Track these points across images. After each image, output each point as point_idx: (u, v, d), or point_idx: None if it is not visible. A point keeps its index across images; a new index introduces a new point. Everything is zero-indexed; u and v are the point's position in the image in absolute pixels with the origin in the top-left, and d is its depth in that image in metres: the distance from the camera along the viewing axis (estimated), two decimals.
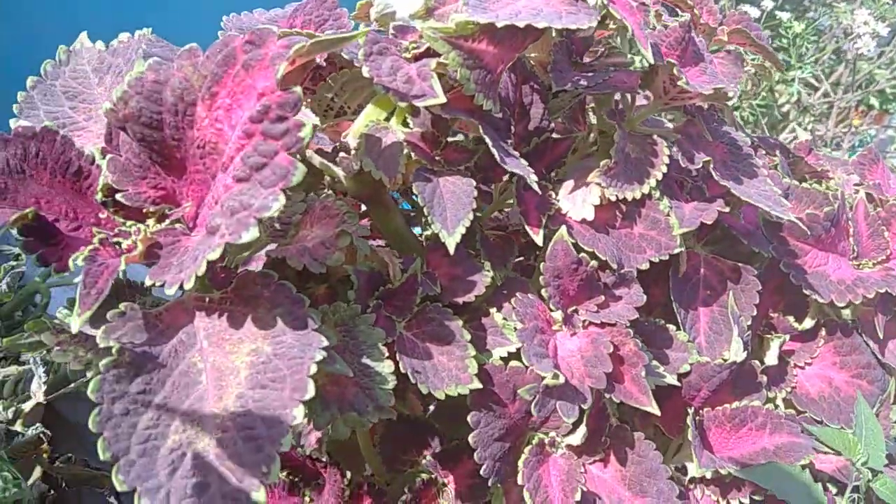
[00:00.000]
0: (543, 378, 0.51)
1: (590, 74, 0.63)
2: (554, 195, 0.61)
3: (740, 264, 0.70)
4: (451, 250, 0.50)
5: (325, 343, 0.43)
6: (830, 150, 1.29)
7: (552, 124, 0.62)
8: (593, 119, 0.71)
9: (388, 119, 0.54)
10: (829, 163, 1.00)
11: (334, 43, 0.45)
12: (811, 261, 0.73)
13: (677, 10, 0.80)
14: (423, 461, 0.68)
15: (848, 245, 0.76)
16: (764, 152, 0.87)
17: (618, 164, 0.59)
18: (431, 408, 0.71)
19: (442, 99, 0.47)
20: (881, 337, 0.73)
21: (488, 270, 0.58)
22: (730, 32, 0.78)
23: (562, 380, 0.51)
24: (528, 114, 0.61)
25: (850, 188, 0.90)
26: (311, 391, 0.40)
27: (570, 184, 0.61)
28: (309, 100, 0.58)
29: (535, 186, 0.52)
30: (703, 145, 0.63)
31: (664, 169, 0.61)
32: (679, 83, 0.57)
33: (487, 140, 0.50)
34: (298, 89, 0.42)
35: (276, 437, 0.39)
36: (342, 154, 0.55)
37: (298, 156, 0.41)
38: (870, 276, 0.73)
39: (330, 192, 0.57)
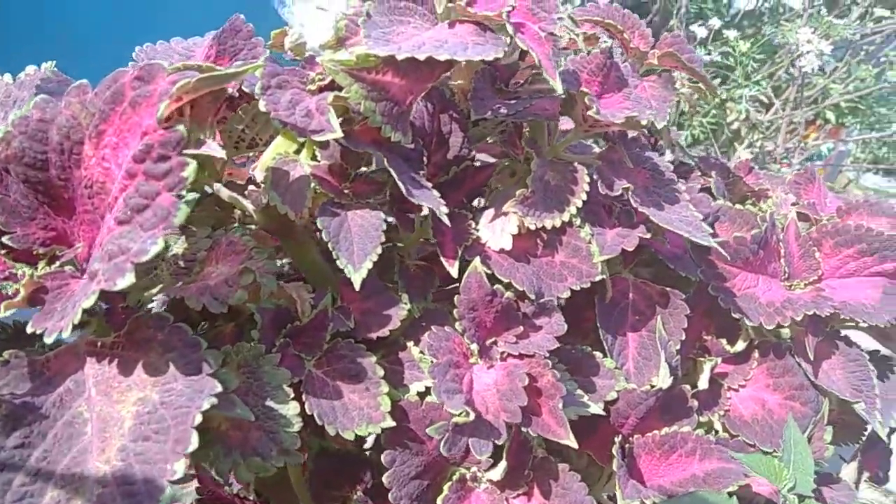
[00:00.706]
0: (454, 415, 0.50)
1: (512, 102, 0.63)
2: (475, 224, 0.60)
3: (668, 288, 0.70)
4: (357, 286, 0.49)
5: (218, 389, 0.42)
6: (780, 166, 1.31)
7: (473, 152, 0.61)
8: None
9: (297, 151, 0.53)
10: (769, 181, 1.01)
11: (222, 79, 0.44)
12: (740, 283, 0.73)
13: (609, 34, 0.81)
14: (355, 496, 0.66)
15: (779, 266, 0.76)
16: (699, 173, 0.88)
17: (535, 192, 0.58)
18: (370, 440, 0.70)
19: (338, 133, 0.46)
20: (811, 359, 0.74)
21: (405, 303, 0.57)
22: (660, 56, 0.79)
23: (472, 416, 0.50)
24: (447, 142, 0.60)
25: (788, 207, 0.91)
26: (194, 443, 0.39)
27: (490, 212, 0.61)
28: (219, 131, 0.56)
29: (445, 219, 0.51)
30: (625, 172, 0.63)
31: (584, 196, 0.60)
32: (590, 112, 0.57)
33: (393, 172, 0.49)
34: (182, 128, 0.40)
35: (154, 493, 0.37)
36: (251, 187, 0.54)
37: (193, 193, 0.40)
38: (799, 298, 0.73)
39: (239, 226, 0.55)
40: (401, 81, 0.50)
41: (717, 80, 1.31)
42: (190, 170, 0.40)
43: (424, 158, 0.58)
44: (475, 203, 0.64)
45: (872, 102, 2.01)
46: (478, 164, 0.61)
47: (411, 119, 0.56)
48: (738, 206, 0.82)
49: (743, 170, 1.01)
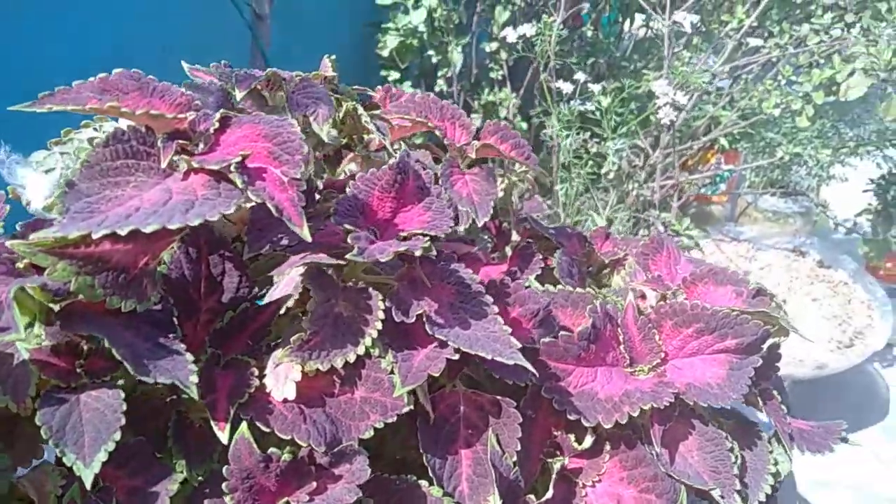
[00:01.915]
0: None
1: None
2: (259, 371, 0.55)
3: (499, 397, 0.67)
4: (88, 483, 0.43)
5: None
6: (659, 211, 1.31)
7: (254, 291, 0.57)
8: None
9: (30, 325, 0.47)
10: (626, 245, 0.99)
11: None
12: (576, 380, 0.70)
13: (431, 128, 0.78)
14: None
15: (619, 353, 0.74)
16: (541, 255, 0.85)
17: (323, 329, 0.54)
18: None
19: (20, 335, 0.41)
20: (658, 450, 0.71)
21: (181, 472, 0.51)
22: (479, 148, 0.77)
23: None
24: (221, 285, 0.56)
25: (641, 277, 0.89)
26: None
27: (285, 349, 0.56)
28: None
29: (194, 391, 0.46)
30: (426, 291, 0.60)
31: (379, 326, 0.56)
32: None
33: (116, 353, 0.44)
34: None
35: None
36: None
37: None
38: (638, 389, 0.71)
39: None
40: (126, 247, 0.45)
41: (588, 133, 1.31)
42: None
43: (175, 319, 0.53)
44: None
45: (760, 127, 2.07)
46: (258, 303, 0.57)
47: (168, 271, 0.51)
48: (579, 290, 0.80)
49: (599, 237, 1.00)
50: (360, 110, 0.70)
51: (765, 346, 0.77)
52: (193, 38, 1.70)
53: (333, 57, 0.74)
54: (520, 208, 1.07)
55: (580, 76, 1.32)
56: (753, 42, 1.97)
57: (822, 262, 2.04)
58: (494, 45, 2.00)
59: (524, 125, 2.12)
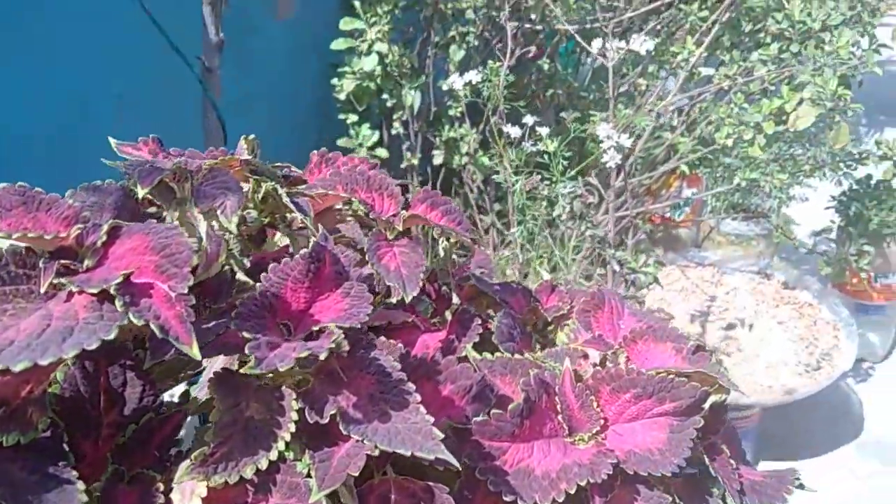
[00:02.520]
0: None
1: (211, 325, 0.57)
2: (166, 484, 0.53)
3: (432, 483, 0.65)
4: None
5: None
6: (614, 250, 1.31)
7: (159, 398, 0.55)
8: None
9: None
10: (573, 297, 0.98)
11: None
12: (512, 458, 0.68)
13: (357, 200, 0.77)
14: None
15: (557, 424, 0.72)
16: (480, 321, 0.84)
17: (224, 443, 0.52)
18: None
19: None
20: None
21: None
22: (406, 219, 0.75)
23: None
24: (123, 397, 0.54)
25: (583, 337, 0.88)
26: None
27: (186, 464, 0.54)
28: None
29: None
30: (344, 385, 0.58)
31: (292, 428, 0.55)
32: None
33: None
34: None
35: None
36: None
37: None
38: (575, 463, 0.69)
39: None
40: (4, 379, 0.43)
41: (539, 176, 1.31)
42: None
43: (97, 420, 0.51)
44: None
45: (719, 153, 2.09)
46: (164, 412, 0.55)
47: (61, 390, 0.49)
48: (517, 356, 0.78)
49: (545, 292, 0.99)
50: (280, 190, 0.68)
51: (707, 405, 0.77)
52: (150, 86, 1.69)
53: (252, 137, 0.73)
54: (467, 264, 1.06)
55: (528, 119, 1.33)
56: (706, 71, 2.00)
57: (787, 283, 2.06)
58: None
59: (486, 160, 2.13)
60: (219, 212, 0.59)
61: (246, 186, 0.69)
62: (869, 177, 2.04)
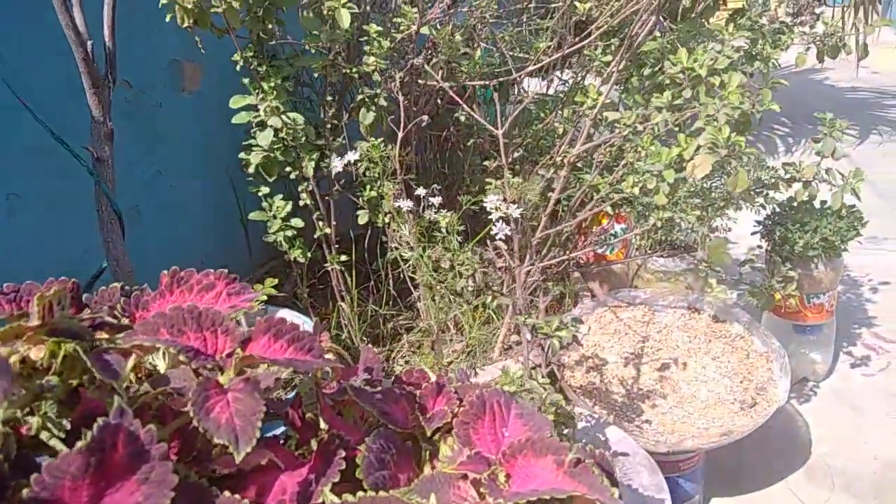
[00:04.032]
0: None
1: None
2: None
3: None
4: None
5: None
6: (525, 316, 1.26)
7: None
8: None
9: None
10: (465, 395, 0.93)
11: None
12: None
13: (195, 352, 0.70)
14: None
15: None
16: (344, 452, 0.77)
17: None
18: None
19: None
20: None
21: None
22: (240, 361, 0.69)
23: None
24: None
25: (462, 455, 0.82)
26: None
27: None
28: None
29: None
30: None
31: None
32: None
33: None
34: None
35: None
36: None
37: None
38: None
39: None
40: None
41: (441, 248, 1.27)
42: None
43: None
44: None
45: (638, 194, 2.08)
46: None
47: None
48: (382, 493, 0.72)
49: (431, 396, 0.93)
50: (81, 352, 0.62)
51: None
52: (44, 183, 1.61)
53: (50, 292, 0.66)
54: (354, 367, 1.00)
55: (420, 191, 1.28)
56: (612, 116, 2.00)
57: (717, 316, 2.04)
58: (365, 146, 1.97)
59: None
60: None
61: (41, 352, 0.62)
62: (792, 199, 2.05)
